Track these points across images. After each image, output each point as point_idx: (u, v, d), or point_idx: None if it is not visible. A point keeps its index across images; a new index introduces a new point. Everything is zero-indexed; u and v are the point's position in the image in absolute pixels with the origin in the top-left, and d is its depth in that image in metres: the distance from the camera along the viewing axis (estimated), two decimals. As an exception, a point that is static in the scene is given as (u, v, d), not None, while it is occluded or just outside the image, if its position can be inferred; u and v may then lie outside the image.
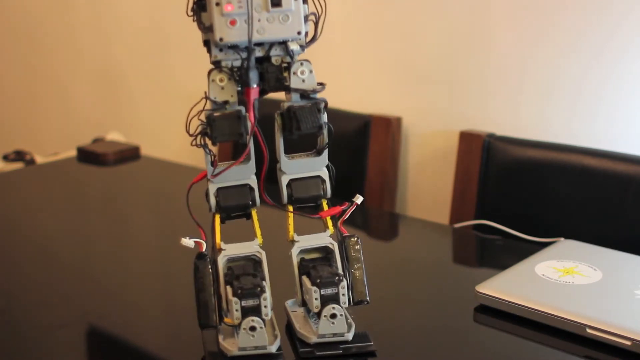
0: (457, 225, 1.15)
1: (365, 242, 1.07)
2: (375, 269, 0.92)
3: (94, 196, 1.25)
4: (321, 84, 0.68)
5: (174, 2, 1.79)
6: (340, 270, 0.69)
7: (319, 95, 0.69)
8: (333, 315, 0.67)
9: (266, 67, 0.67)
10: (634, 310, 0.74)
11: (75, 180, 1.34)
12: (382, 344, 0.72)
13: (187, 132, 0.66)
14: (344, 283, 0.67)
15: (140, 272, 0.92)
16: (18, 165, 1.64)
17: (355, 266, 0.70)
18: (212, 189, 0.70)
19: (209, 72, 0.67)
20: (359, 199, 0.72)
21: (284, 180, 0.71)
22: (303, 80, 0.67)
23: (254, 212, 0.72)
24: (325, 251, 0.71)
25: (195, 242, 0.69)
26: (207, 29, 0.65)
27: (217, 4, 0.63)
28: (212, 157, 0.69)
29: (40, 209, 1.15)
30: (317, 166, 0.71)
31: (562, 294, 0.78)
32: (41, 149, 2.07)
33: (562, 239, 0.97)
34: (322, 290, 0.67)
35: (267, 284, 0.67)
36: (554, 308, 0.75)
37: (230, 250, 0.70)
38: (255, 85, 0.66)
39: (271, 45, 0.66)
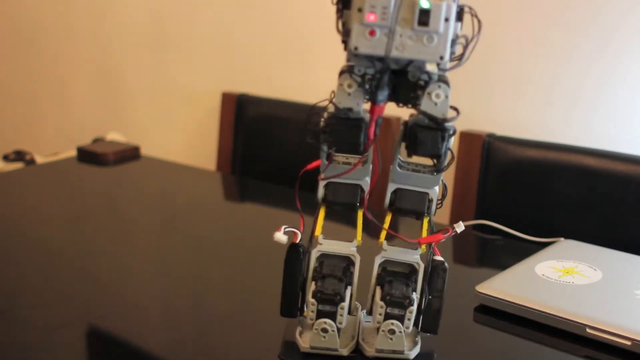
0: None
1: (365, 242, 1.07)
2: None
3: (94, 196, 1.25)
4: (455, 109, 0.64)
5: (174, 2, 1.79)
6: (418, 293, 0.66)
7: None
8: (392, 331, 0.65)
9: (400, 81, 0.63)
10: (634, 310, 0.74)
11: (75, 180, 1.34)
12: (382, 344, 0.72)
13: (306, 127, 0.66)
14: (413, 308, 0.65)
15: (140, 272, 0.92)
16: (18, 165, 1.64)
17: (435, 294, 0.67)
18: (323, 181, 0.69)
19: (340, 74, 0.65)
20: (460, 227, 0.68)
21: (391, 187, 0.69)
22: (435, 104, 0.63)
23: (359, 214, 0.71)
24: (410, 268, 0.68)
25: (292, 231, 0.69)
26: (345, 31, 0.61)
27: (360, 10, 0.59)
28: (328, 154, 0.67)
29: (40, 209, 1.15)
30: (428, 184, 0.68)
31: (562, 294, 0.78)
32: (41, 149, 2.07)
33: (562, 239, 0.97)
34: (388, 308, 0.65)
35: (351, 290, 0.67)
36: (554, 308, 0.75)
37: (327, 246, 0.69)
38: (382, 103, 0.63)
39: (410, 61, 0.61)
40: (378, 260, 0.69)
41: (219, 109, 1.64)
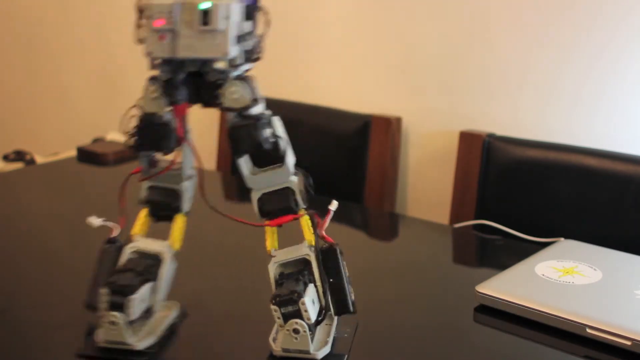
0: (457, 225, 1.15)
1: (365, 242, 1.07)
2: (375, 269, 0.92)
3: (94, 196, 1.25)
4: (256, 99, 0.66)
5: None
6: (318, 282, 0.67)
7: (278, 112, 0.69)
8: (295, 331, 0.65)
9: (202, 83, 0.66)
10: (634, 310, 0.74)
11: (75, 180, 1.34)
12: (382, 343, 0.72)
13: (125, 133, 0.68)
14: (306, 299, 0.65)
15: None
16: (18, 165, 1.64)
17: (333, 276, 0.68)
18: (146, 184, 0.72)
19: (146, 81, 0.69)
20: (333, 205, 0.69)
21: (254, 196, 0.70)
22: (236, 99, 0.65)
23: (179, 218, 0.73)
24: (304, 262, 0.69)
25: (110, 225, 0.72)
26: (140, 41, 0.65)
27: (149, 17, 0.63)
28: (148, 159, 0.70)
29: (40, 209, 1.15)
30: (283, 178, 0.69)
31: (562, 294, 0.78)
32: (41, 149, 2.07)
33: (562, 239, 0.97)
34: (282, 309, 0.65)
35: (156, 286, 0.69)
36: (554, 308, 0.75)
37: (141, 243, 0.71)
38: (182, 102, 0.66)
39: (204, 62, 0.64)
40: (272, 268, 0.69)
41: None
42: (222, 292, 0.85)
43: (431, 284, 0.90)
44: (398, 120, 1.38)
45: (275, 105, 1.52)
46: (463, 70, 1.34)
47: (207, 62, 0.64)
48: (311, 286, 0.67)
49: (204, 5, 0.62)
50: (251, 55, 0.67)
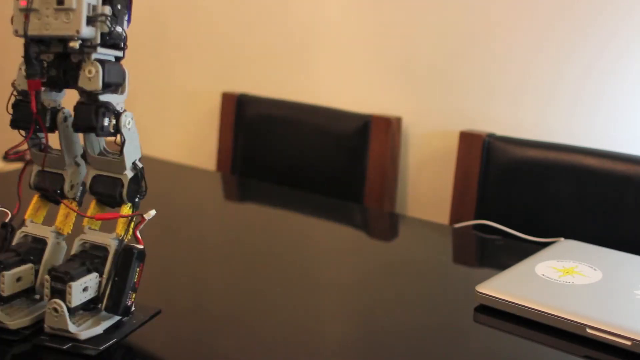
0: (457, 225, 1.15)
1: (365, 242, 1.07)
2: (375, 269, 0.92)
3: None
4: (110, 86, 0.68)
5: (174, 2, 1.79)
6: (105, 274, 0.70)
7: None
8: (55, 310, 0.67)
9: (67, 64, 0.68)
10: (634, 310, 0.74)
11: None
12: (382, 343, 0.72)
13: (8, 112, 0.72)
14: (75, 284, 0.66)
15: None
16: (18, 165, 1.64)
17: (117, 277, 0.70)
18: (35, 169, 0.76)
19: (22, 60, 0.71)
20: (150, 214, 0.71)
21: (90, 173, 0.72)
22: (89, 80, 0.66)
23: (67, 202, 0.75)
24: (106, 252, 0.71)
25: (3, 211, 0.76)
26: (11, 21, 0.68)
27: None
28: (34, 142, 0.74)
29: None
30: (117, 169, 0.71)
31: (562, 294, 0.78)
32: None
33: (562, 239, 0.97)
34: (52, 283, 0.67)
35: (38, 268, 0.72)
36: (554, 308, 0.75)
37: (30, 228, 0.75)
38: (35, 78, 0.68)
39: (67, 42, 0.66)
40: (77, 242, 0.72)
41: (219, 109, 1.64)
42: (222, 292, 0.85)
43: (431, 284, 0.90)
44: (398, 120, 1.38)
45: (275, 105, 1.53)
46: (463, 70, 1.34)
47: (68, 43, 0.66)
48: (93, 275, 0.69)
49: None
50: (116, 42, 0.68)
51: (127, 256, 0.70)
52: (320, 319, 0.79)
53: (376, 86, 1.46)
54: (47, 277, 0.68)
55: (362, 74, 1.47)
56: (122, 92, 0.70)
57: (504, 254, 1.01)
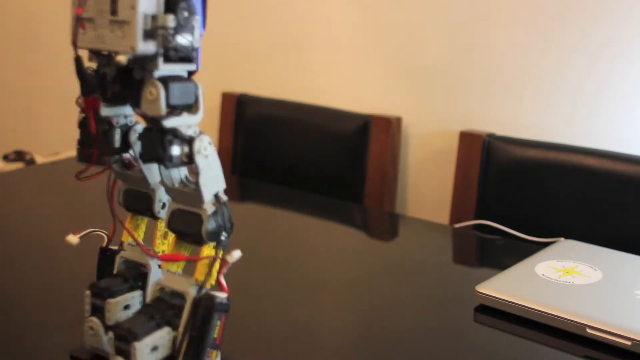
0: (457, 225, 1.15)
1: (365, 242, 1.07)
2: (375, 269, 0.92)
3: (94, 196, 1.25)
4: (174, 108, 0.57)
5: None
6: (181, 327, 0.59)
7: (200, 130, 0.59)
8: None
9: (130, 80, 0.59)
10: (634, 310, 0.74)
11: (75, 180, 1.34)
12: (382, 343, 0.72)
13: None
14: (139, 345, 0.57)
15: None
16: (18, 165, 1.64)
17: (193, 331, 0.59)
18: (122, 188, 0.67)
19: None
20: (233, 257, 0.61)
21: (170, 206, 0.63)
22: (151, 103, 0.57)
23: (158, 224, 0.67)
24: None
25: (102, 234, 0.69)
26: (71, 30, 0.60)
27: (73, 4, 0.58)
28: (116, 159, 0.65)
29: (40, 209, 1.15)
30: (195, 202, 0.60)
31: (562, 294, 0.78)
32: (41, 149, 2.07)
33: (562, 239, 0.97)
34: (116, 342, 0.58)
35: (143, 295, 0.65)
36: (554, 308, 0.75)
37: (129, 253, 0.67)
38: (91, 96, 0.59)
39: (133, 58, 0.56)
40: (153, 288, 0.63)
41: (219, 109, 1.64)
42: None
43: (431, 284, 0.90)
44: (398, 120, 1.38)
45: (275, 105, 1.53)
46: (463, 70, 1.34)
47: (133, 58, 0.57)
48: (165, 330, 0.59)
49: None
50: (184, 55, 0.58)
51: (206, 307, 0.59)
52: (320, 318, 0.79)
53: (376, 86, 1.46)
54: (110, 334, 0.59)
55: (362, 74, 1.47)
56: (195, 112, 0.60)
57: (504, 254, 1.01)
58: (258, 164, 1.54)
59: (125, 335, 0.58)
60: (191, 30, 0.58)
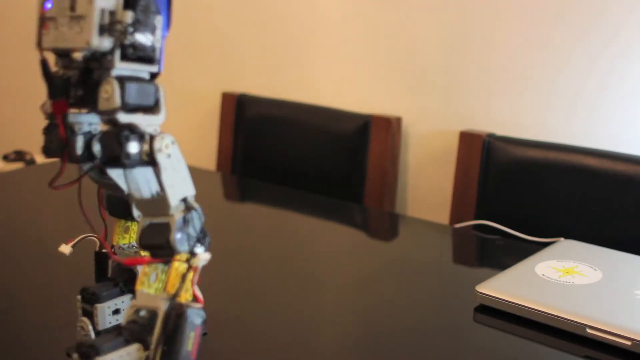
0: (457, 225, 1.15)
1: (365, 242, 1.07)
2: (375, 269, 0.92)
3: (94, 196, 1.25)
4: (128, 105, 0.54)
5: (174, 2, 1.79)
6: (152, 344, 0.55)
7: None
8: None
9: (91, 83, 0.55)
10: (634, 310, 0.74)
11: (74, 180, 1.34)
12: (383, 343, 0.72)
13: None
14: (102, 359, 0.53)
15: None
16: (18, 165, 1.64)
17: (170, 345, 0.54)
18: (104, 193, 0.67)
19: None
20: (201, 259, 0.56)
21: (142, 222, 0.58)
22: (106, 100, 0.53)
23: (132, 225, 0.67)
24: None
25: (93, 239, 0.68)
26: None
27: (39, 4, 0.55)
28: (92, 166, 0.60)
29: (40, 209, 1.15)
30: (161, 210, 0.56)
31: (562, 294, 0.78)
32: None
33: (562, 239, 0.97)
34: (78, 358, 0.54)
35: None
36: (554, 308, 0.75)
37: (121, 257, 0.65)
38: (58, 99, 0.56)
39: (89, 56, 0.54)
40: (128, 311, 0.58)
41: (219, 109, 1.64)
42: (222, 293, 0.85)
43: (431, 284, 0.90)
44: (398, 120, 1.38)
45: (275, 105, 1.53)
46: (463, 70, 1.34)
47: (91, 57, 0.54)
48: (133, 347, 0.55)
49: None
50: (146, 55, 0.56)
51: (176, 321, 0.54)
52: (320, 318, 0.79)
53: (376, 86, 1.46)
54: (75, 355, 0.55)
55: (362, 74, 1.47)
56: (156, 113, 0.57)
57: (504, 254, 1.01)
58: (258, 164, 1.54)
59: (88, 352, 0.54)
60: (151, 30, 0.56)
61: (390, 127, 1.36)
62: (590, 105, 1.21)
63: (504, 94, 1.30)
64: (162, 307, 0.55)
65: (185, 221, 0.56)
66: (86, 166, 0.59)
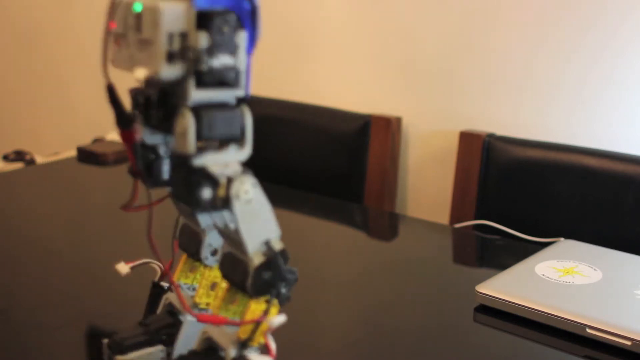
0: (457, 225, 1.15)
1: (365, 242, 1.07)
2: (375, 269, 0.92)
3: (94, 196, 1.25)
4: (204, 144, 0.48)
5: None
6: None
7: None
8: None
9: (171, 106, 0.49)
10: (634, 310, 0.74)
11: (75, 180, 1.34)
12: (383, 343, 0.72)
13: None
14: None
15: (140, 272, 0.92)
16: (18, 165, 1.64)
17: None
18: (181, 221, 0.60)
19: None
20: (274, 322, 0.52)
21: (226, 247, 0.55)
22: (180, 135, 0.48)
23: (201, 268, 0.61)
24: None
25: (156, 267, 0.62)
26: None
27: (108, 17, 0.49)
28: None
29: (40, 209, 1.15)
30: (239, 248, 0.51)
31: (562, 294, 0.78)
32: (41, 149, 2.07)
33: (562, 239, 0.97)
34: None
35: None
36: (554, 308, 0.75)
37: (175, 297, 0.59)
38: (128, 128, 0.50)
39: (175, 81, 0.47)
40: (201, 334, 0.54)
41: (219, 109, 1.64)
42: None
43: (431, 284, 0.90)
44: (398, 120, 1.38)
45: (275, 106, 1.53)
46: (463, 70, 1.34)
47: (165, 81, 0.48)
48: None
49: (137, 8, 0.46)
50: (223, 79, 0.48)
51: None
52: (320, 318, 0.79)
53: (376, 86, 1.46)
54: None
55: (362, 74, 1.47)
56: (241, 146, 0.51)
57: (504, 254, 1.01)
58: (258, 164, 1.54)
59: (116, 347, 0.53)
60: (232, 50, 0.48)
61: (390, 127, 1.36)
62: (590, 105, 1.21)
63: (504, 94, 1.30)
64: (230, 353, 0.51)
65: (265, 265, 0.50)
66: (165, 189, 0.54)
